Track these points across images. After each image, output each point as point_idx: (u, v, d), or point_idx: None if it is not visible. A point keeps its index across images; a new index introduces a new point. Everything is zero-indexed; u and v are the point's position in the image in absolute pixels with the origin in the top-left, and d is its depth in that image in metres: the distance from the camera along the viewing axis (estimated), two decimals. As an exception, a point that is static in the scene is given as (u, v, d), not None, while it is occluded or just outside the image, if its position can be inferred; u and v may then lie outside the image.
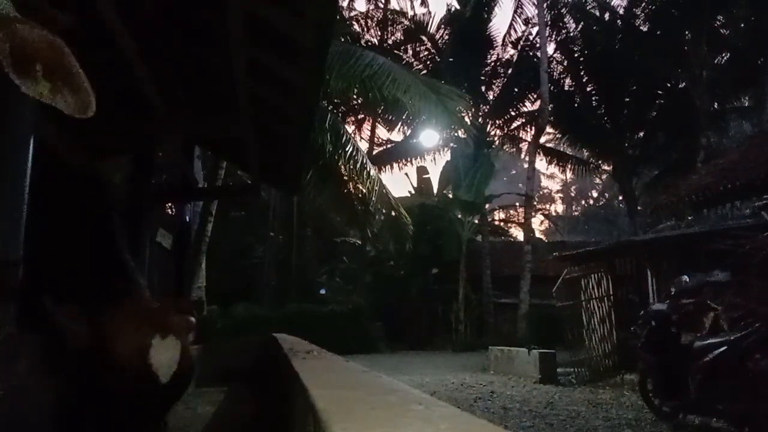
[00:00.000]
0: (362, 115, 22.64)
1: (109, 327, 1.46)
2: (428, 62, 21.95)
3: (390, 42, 22.66)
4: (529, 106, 22.42)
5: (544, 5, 19.20)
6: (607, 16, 20.50)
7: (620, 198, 25.14)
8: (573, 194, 50.50)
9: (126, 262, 1.78)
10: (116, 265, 1.75)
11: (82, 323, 1.42)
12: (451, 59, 20.40)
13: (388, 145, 24.28)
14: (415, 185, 22.30)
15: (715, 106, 18.86)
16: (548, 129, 21.79)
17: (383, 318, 17.68)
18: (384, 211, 14.59)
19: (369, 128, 23.37)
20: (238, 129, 4.24)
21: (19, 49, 0.88)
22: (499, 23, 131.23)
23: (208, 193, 10.25)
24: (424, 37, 21.93)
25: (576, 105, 21.16)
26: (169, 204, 9.05)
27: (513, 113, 22.47)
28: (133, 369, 1.42)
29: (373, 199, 13.13)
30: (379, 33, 22.82)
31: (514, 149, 23.90)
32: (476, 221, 19.74)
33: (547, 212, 46.48)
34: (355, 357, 10.66)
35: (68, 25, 1.15)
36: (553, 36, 20.55)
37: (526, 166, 23.59)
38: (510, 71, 21.65)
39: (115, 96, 3.87)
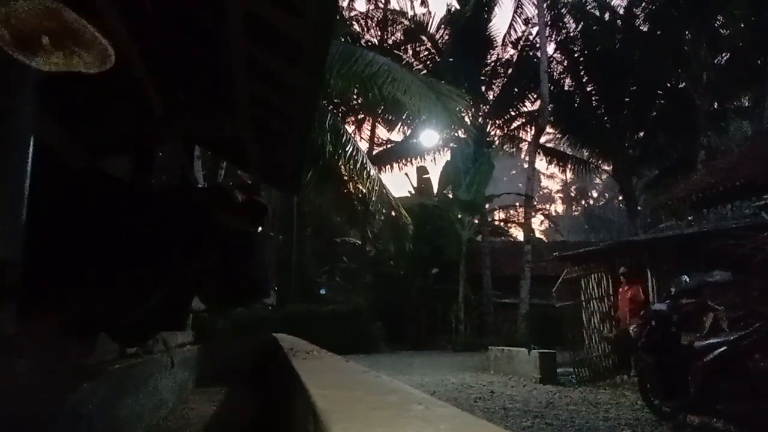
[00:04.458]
0: (362, 115, 22.64)
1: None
2: (428, 62, 21.96)
3: (390, 42, 22.65)
4: (529, 106, 22.49)
5: (544, 5, 19.22)
6: (607, 16, 20.51)
7: (620, 198, 25.13)
8: (573, 194, 50.53)
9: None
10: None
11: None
12: (451, 59, 20.40)
13: (388, 145, 24.27)
14: (415, 185, 22.29)
15: (715, 106, 18.86)
16: (548, 129, 21.82)
17: (383, 318, 17.65)
18: (384, 211, 14.59)
19: (369, 128, 23.41)
20: (238, 129, 4.23)
21: (20, 29, 0.83)
22: (499, 23, 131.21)
23: (208, 193, 10.24)
24: (424, 37, 21.94)
25: (576, 105, 21.16)
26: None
27: (513, 113, 22.50)
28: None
29: (373, 199, 13.11)
30: (379, 33, 22.82)
31: (514, 149, 23.92)
32: (476, 221, 19.73)
33: (547, 212, 46.44)
34: (355, 357, 10.66)
35: None
36: (553, 36, 20.57)
37: (526, 166, 23.61)
38: (510, 71, 21.67)
39: (115, 96, 3.87)
